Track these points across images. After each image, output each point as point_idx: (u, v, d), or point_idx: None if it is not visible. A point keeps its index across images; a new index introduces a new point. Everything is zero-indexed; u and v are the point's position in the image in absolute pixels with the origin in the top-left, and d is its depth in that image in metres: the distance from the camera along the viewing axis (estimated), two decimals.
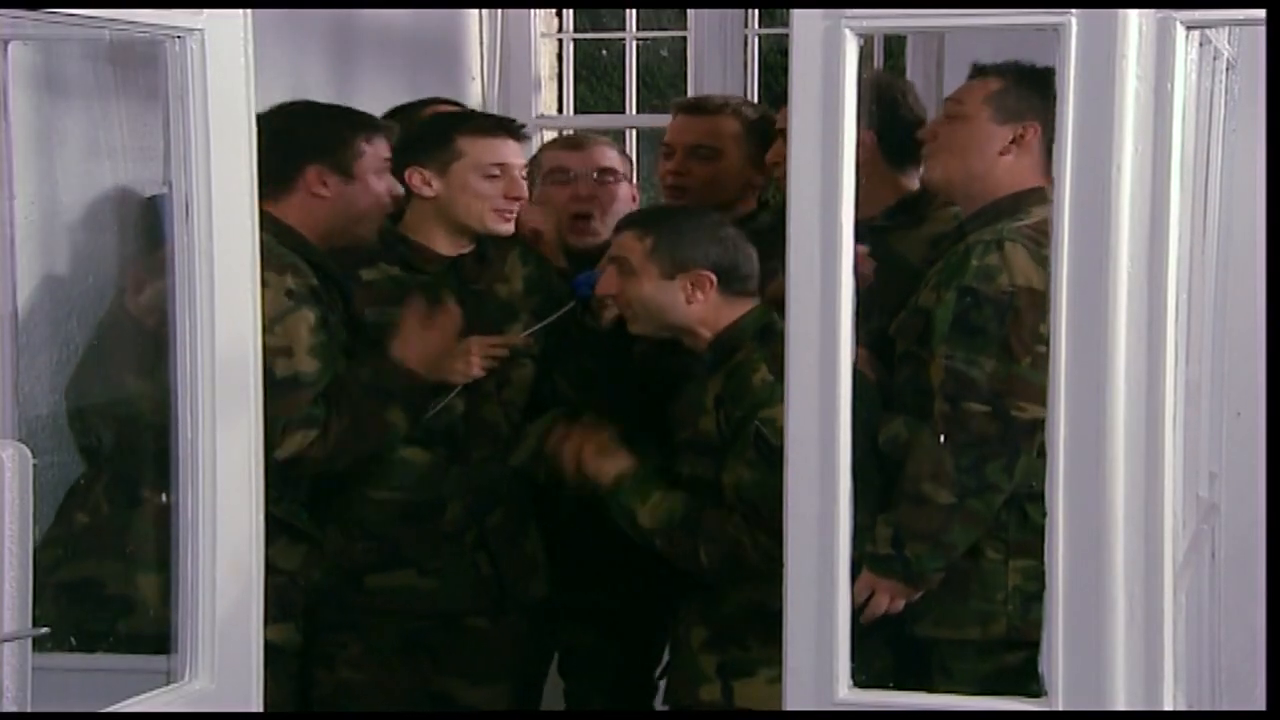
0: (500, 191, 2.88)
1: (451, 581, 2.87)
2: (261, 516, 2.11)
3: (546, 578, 2.98)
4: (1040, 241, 2.48)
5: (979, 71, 2.71)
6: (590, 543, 2.98)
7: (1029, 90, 2.59)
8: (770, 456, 2.56)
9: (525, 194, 2.91)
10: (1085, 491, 1.91)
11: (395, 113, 3.24)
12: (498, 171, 2.87)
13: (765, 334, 2.69)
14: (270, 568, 2.68)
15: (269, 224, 2.63)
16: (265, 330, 2.51)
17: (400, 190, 2.84)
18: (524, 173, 2.94)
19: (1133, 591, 1.91)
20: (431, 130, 2.97)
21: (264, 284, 2.53)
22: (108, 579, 2.39)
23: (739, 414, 2.63)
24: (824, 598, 2.00)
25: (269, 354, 2.53)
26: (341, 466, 2.72)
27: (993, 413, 2.46)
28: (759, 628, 2.64)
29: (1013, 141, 2.61)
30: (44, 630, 1.97)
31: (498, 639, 2.93)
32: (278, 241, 2.65)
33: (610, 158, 3.23)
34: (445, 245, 2.92)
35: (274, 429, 2.52)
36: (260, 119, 2.67)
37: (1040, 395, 2.12)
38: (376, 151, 2.78)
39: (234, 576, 2.07)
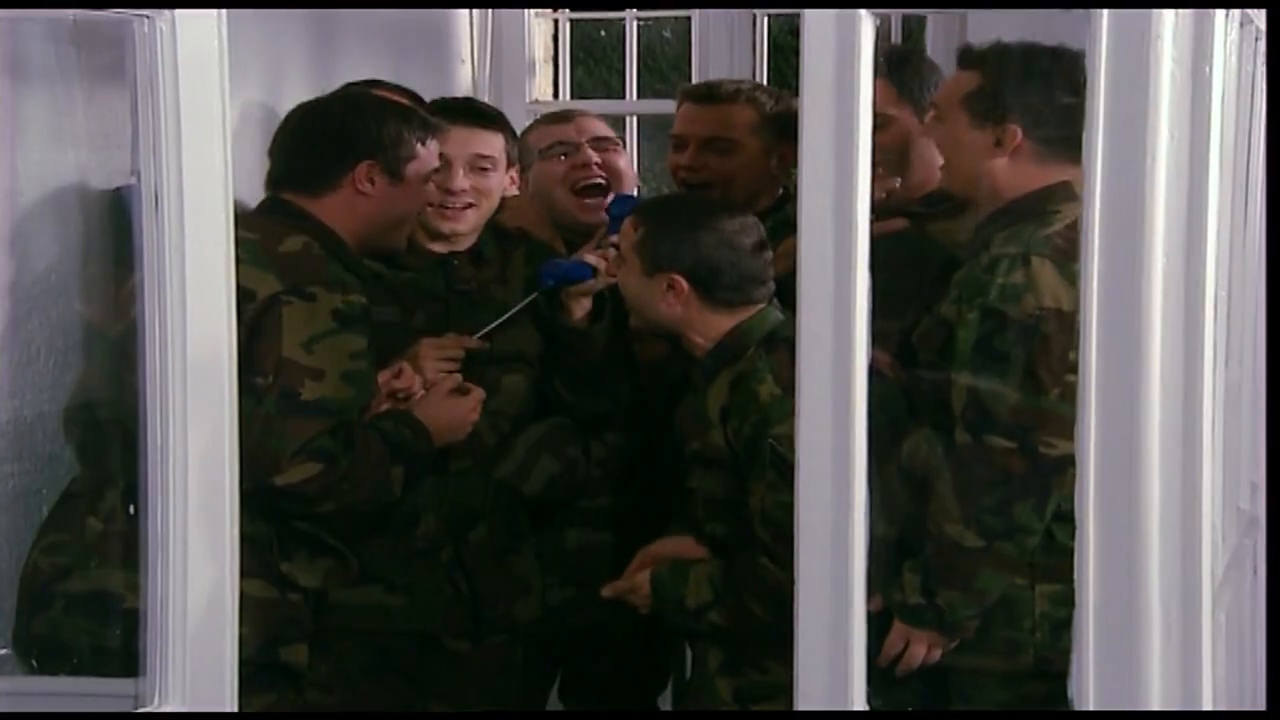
0: (438, 183, 2.85)
1: (420, 600, 2.84)
2: (236, 529, 2.10)
3: (539, 600, 2.96)
4: (1071, 253, 2.44)
5: (961, 61, 2.67)
6: (595, 561, 2.97)
7: (1008, 84, 2.54)
8: (792, 476, 2.55)
9: (462, 187, 2.87)
10: (1117, 503, 1.90)
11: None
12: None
13: (770, 341, 2.66)
14: (288, 583, 2.70)
15: (309, 225, 2.66)
16: (301, 348, 2.54)
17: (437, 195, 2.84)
18: (484, 164, 2.89)
19: (1169, 610, 1.90)
20: None
21: (310, 298, 2.57)
22: (128, 593, 2.36)
23: (748, 431, 2.61)
24: (838, 617, 1.99)
25: (299, 373, 2.54)
26: (324, 510, 2.62)
27: (1019, 449, 2.41)
28: (779, 649, 2.63)
29: (997, 145, 2.55)
30: (2, 651, 1.97)
31: (480, 663, 2.91)
32: (320, 246, 2.65)
33: (601, 126, 3.25)
34: (431, 240, 2.91)
35: (281, 452, 2.52)
36: (322, 104, 2.73)
37: (1071, 430, 2.10)
38: (430, 155, 2.78)
39: (206, 593, 2.06)
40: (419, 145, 2.75)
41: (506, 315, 2.88)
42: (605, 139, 3.22)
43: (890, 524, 2.42)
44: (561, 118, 3.27)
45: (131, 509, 2.07)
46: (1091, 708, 1.91)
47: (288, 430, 2.52)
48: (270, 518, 2.55)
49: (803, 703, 2.01)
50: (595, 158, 3.17)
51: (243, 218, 2.44)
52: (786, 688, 2.62)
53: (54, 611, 2.47)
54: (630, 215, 2.80)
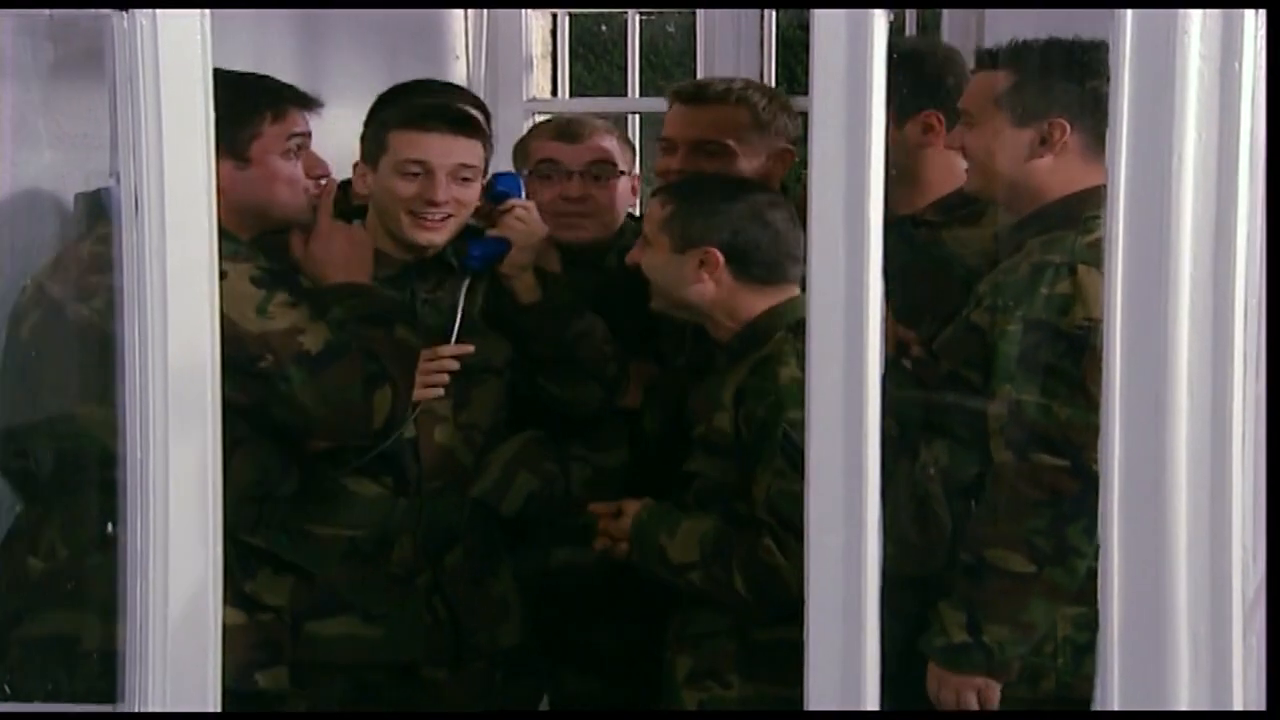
0: (417, 193, 2.80)
1: (399, 629, 2.80)
2: (220, 549, 2.08)
3: (519, 624, 2.93)
4: None
5: (983, 62, 2.61)
6: (578, 578, 2.95)
7: (1047, 78, 2.50)
8: (802, 464, 2.52)
9: (445, 198, 2.80)
10: (1143, 521, 1.88)
11: (390, 97, 3.23)
12: (416, 169, 2.79)
13: (800, 328, 2.64)
14: (255, 604, 2.67)
15: None
16: (263, 317, 2.56)
17: (328, 170, 2.79)
18: (466, 174, 2.85)
19: (1197, 634, 1.88)
20: (369, 119, 2.98)
21: (223, 275, 2.51)
22: (83, 633, 2.35)
23: (761, 414, 2.58)
24: (850, 636, 1.97)
25: (286, 336, 2.57)
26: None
27: (1072, 468, 2.37)
28: (743, 660, 2.62)
29: (1042, 143, 2.51)
30: None
31: (458, 692, 2.87)
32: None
33: (606, 149, 3.16)
34: (398, 249, 2.88)
35: (354, 403, 2.62)
36: None
37: None
38: (284, 129, 2.70)
39: (189, 617, 2.04)
40: (263, 121, 2.67)
41: (459, 311, 2.84)
42: (604, 163, 3.17)
43: (911, 558, 2.39)
44: (569, 135, 3.21)
45: (110, 527, 2.05)
46: None
47: (334, 381, 2.57)
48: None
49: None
50: (580, 191, 3.13)
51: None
52: (749, 702, 2.62)
53: (12, 661, 2.44)
54: (658, 195, 2.79)
